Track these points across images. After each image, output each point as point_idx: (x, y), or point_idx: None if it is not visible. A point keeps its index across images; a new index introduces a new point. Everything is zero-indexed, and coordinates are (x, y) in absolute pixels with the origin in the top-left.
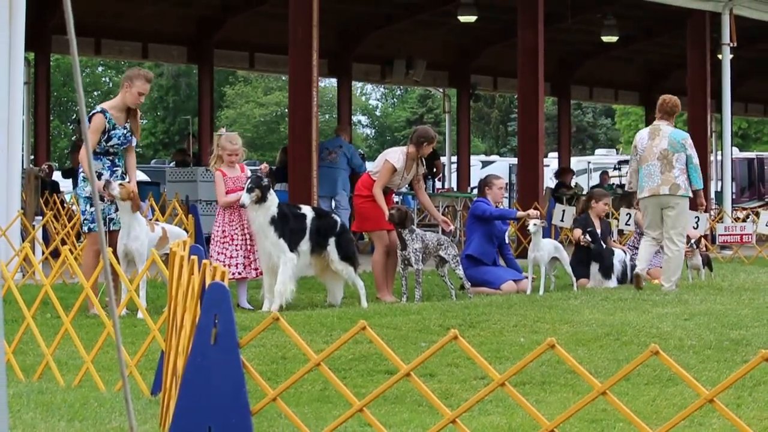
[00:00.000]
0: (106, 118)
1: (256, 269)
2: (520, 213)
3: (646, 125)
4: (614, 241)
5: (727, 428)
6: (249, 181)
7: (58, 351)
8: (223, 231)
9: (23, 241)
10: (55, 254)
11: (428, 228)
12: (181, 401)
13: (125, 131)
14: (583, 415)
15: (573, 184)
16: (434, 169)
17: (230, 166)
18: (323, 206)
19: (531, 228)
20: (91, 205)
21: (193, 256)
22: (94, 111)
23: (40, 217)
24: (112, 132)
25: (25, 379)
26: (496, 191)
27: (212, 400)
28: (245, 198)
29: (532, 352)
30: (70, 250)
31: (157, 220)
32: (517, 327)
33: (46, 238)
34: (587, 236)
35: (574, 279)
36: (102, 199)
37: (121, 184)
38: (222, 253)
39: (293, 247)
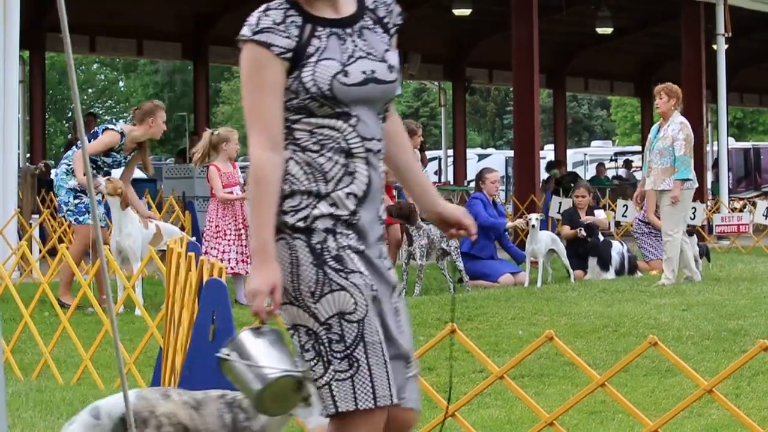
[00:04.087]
0: (121, 142)
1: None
2: (509, 224)
3: (642, 116)
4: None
5: (726, 418)
6: None
7: (56, 349)
8: (216, 226)
9: (20, 239)
10: (53, 252)
11: (423, 221)
12: None
13: (123, 158)
14: (582, 406)
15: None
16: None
17: (224, 162)
18: None
19: (533, 222)
20: (75, 197)
21: (190, 253)
22: (112, 128)
23: (37, 216)
24: (113, 153)
25: (24, 378)
26: (489, 185)
27: None
28: None
29: (530, 344)
30: (67, 248)
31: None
32: (515, 320)
33: (43, 237)
34: (582, 230)
35: (571, 271)
36: (84, 193)
37: (108, 179)
38: (215, 248)
39: None
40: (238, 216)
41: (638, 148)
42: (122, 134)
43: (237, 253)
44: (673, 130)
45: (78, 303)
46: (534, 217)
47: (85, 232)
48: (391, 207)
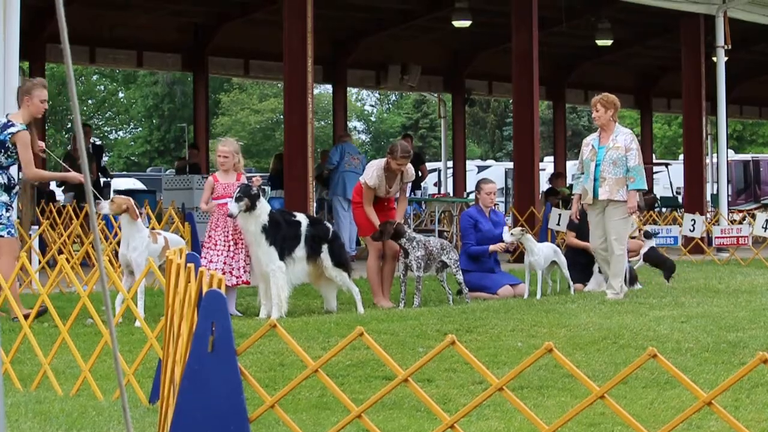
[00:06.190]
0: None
1: (237, 277)
2: (491, 247)
3: (642, 128)
4: None
5: (725, 430)
6: (237, 190)
7: (55, 360)
8: (209, 236)
9: (20, 250)
10: (52, 263)
11: (423, 233)
12: (179, 409)
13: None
14: (581, 419)
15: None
16: (419, 174)
17: (225, 172)
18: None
19: (507, 238)
20: (6, 211)
21: (189, 264)
22: (19, 128)
23: (37, 227)
24: (11, 146)
25: (23, 389)
26: (484, 196)
27: (210, 408)
28: (233, 207)
29: (529, 356)
30: (66, 259)
31: (153, 227)
32: (515, 331)
33: (43, 248)
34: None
35: (571, 283)
36: (7, 210)
37: (111, 200)
38: (203, 257)
39: (288, 253)
40: (228, 228)
41: None
42: (26, 127)
43: (224, 264)
44: (625, 139)
45: (38, 309)
46: (510, 233)
47: (14, 245)
48: (375, 234)
